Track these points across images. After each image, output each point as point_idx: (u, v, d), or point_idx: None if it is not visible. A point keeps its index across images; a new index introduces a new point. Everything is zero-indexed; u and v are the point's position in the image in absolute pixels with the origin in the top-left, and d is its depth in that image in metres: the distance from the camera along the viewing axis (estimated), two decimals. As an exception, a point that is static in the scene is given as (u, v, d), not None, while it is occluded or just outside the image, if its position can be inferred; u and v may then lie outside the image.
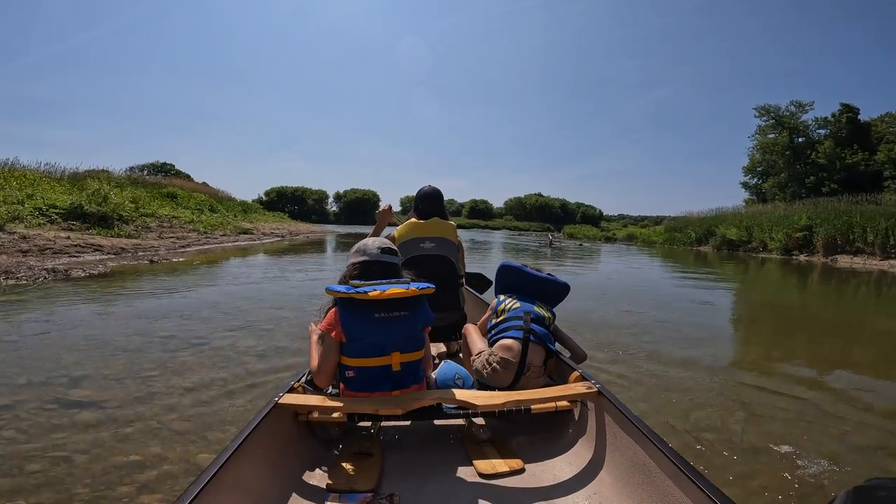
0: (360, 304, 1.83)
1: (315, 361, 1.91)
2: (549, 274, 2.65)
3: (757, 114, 45.72)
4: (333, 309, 1.88)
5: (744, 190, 49.46)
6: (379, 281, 1.87)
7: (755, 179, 48.66)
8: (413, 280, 1.95)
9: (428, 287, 1.93)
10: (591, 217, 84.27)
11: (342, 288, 1.83)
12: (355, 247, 2.07)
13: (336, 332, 1.83)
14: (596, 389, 1.95)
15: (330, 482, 1.66)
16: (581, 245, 28.48)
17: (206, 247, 14.12)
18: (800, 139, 43.45)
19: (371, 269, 1.97)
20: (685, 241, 30.03)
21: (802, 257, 22.11)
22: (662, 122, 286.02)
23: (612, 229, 48.13)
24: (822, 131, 42.85)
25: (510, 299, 2.48)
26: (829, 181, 38.20)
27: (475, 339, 2.52)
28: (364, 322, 1.83)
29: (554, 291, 2.64)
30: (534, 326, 2.31)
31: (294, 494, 1.61)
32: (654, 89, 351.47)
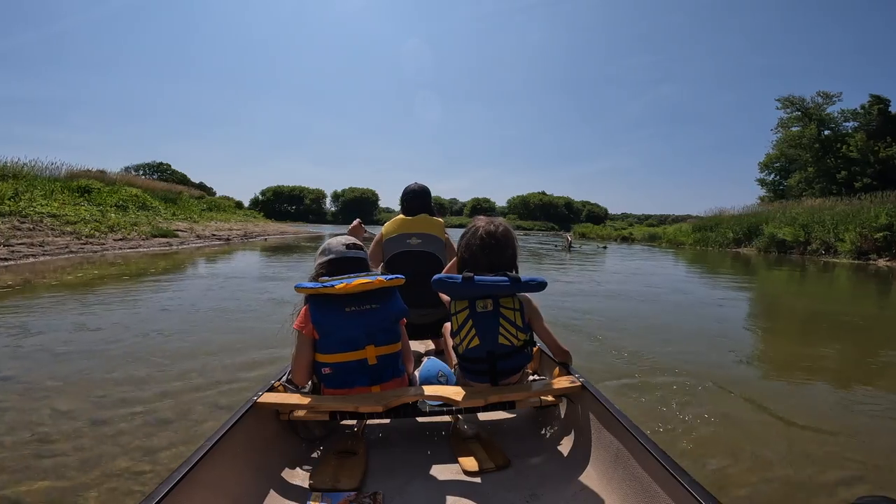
0: (329, 298, 1.75)
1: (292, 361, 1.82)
2: (505, 276, 1.83)
3: (780, 105, 41.73)
4: (305, 307, 1.78)
5: (760, 187, 45.55)
6: (346, 275, 1.79)
7: (772, 175, 44.89)
8: (382, 273, 1.88)
9: (396, 278, 1.84)
10: (596, 216, 79.14)
11: (310, 284, 1.76)
12: (320, 247, 1.96)
13: (307, 328, 1.74)
14: (579, 384, 1.84)
15: (312, 481, 1.56)
16: (605, 247, 22.94)
17: (71, 255, 9.12)
18: (826, 132, 38.76)
19: (337, 266, 1.86)
20: (720, 241, 24.84)
21: (882, 262, 16.98)
22: (666, 120, 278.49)
23: (620, 228, 43.00)
24: (849, 124, 38.66)
25: (466, 325, 1.86)
26: (862, 176, 34.05)
27: (450, 343, 2.09)
28: (335, 316, 1.74)
29: (521, 291, 1.90)
30: (501, 366, 1.87)
31: (275, 494, 1.50)
32: (657, 87, 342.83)
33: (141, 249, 10.94)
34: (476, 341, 1.84)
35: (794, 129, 40.95)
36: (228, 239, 16.75)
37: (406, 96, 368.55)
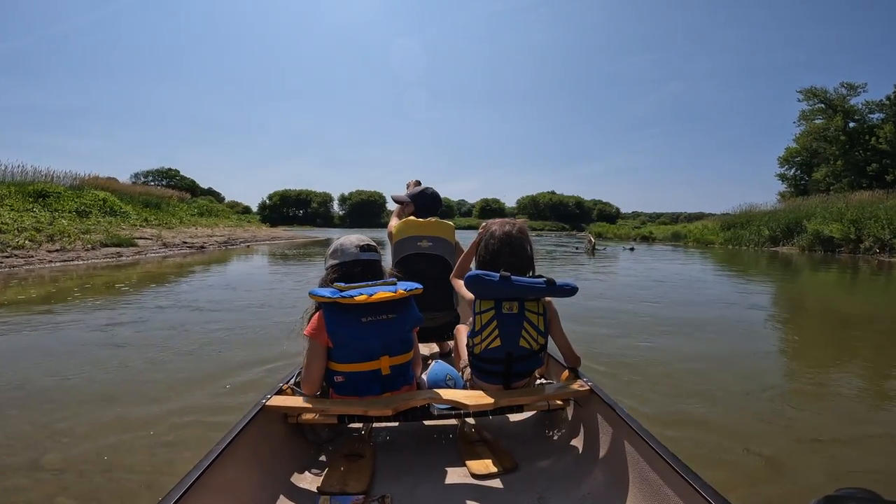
0: (345, 308, 1.62)
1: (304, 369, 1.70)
2: (544, 279, 1.78)
3: (802, 97, 39.69)
4: (318, 313, 1.65)
5: (780, 182, 42.91)
6: (365, 283, 1.66)
7: (793, 170, 42.68)
8: (399, 280, 1.76)
9: (416, 288, 1.74)
10: (607, 215, 76.42)
11: (326, 292, 1.61)
12: (332, 247, 1.81)
13: (321, 337, 1.62)
14: (588, 387, 1.79)
15: (320, 484, 1.53)
16: (632, 249, 20.04)
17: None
18: (850, 124, 36.42)
19: (351, 270, 1.73)
20: (754, 240, 22.43)
21: (950, 261, 14.66)
22: (675, 117, 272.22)
23: (637, 226, 40.56)
24: (874, 115, 36.20)
25: (490, 325, 1.78)
26: (893, 168, 31.86)
27: (462, 344, 2.05)
28: (351, 327, 1.63)
29: (553, 296, 1.83)
30: (517, 369, 1.82)
31: (283, 497, 1.48)
32: (665, 84, 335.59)
33: (78, 262, 8.82)
34: (497, 342, 1.78)
35: (817, 121, 38.96)
36: (203, 247, 14.47)
37: (412, 98, 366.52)
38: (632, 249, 19.15)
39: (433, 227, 2.71)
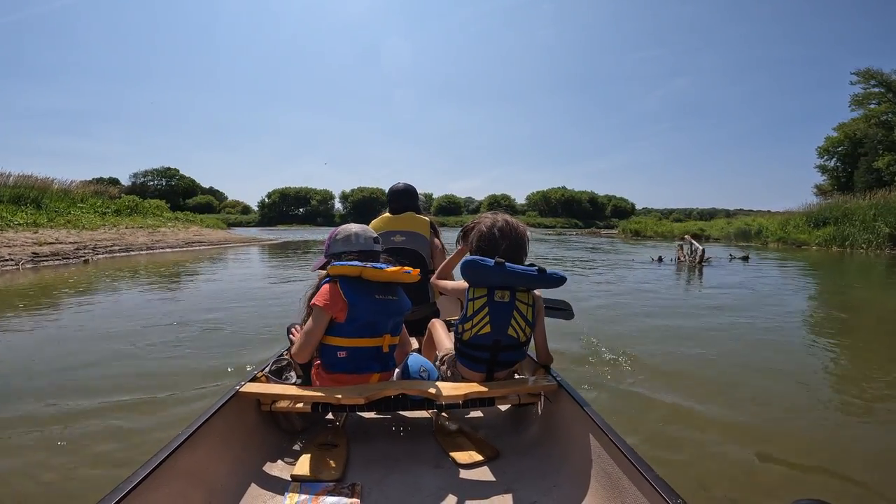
0: (362, 283, 1.68)
1: (300, 337, 1.68)
2: (536, 268, 1.75)
3: (858, 79, 35.02)
4: (330, 284, 1.65)
5: (820, 174, 38.38)
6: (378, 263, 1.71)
7: (833, 161, 37.53)
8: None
9: (415, 269, 1.77)
10: (623, 211, 71.02)
11: (354, 262, 1.65)
12: (341, 233, 1.83)
13: (336, 307, 1.62)
14: (555, 384, 1.80)
15: (293, 472, 1.52)
16: (746, 258, 13.42)
17: None
18: None
19: (365, 258, 1.76)
20: (868, 240, 17.01)
21: None
22: (682, 113, 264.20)
23: (670, 221, 35.10)
24: None
25: (481, 311, 1.78)
26: None
27: (441, 335, 2.12)
28: (367, 300, 1.66)
29: (544, 285, 1.82)
30: (502, 357, 1.83)
31: (254, 484, 1.46)
32: (672, 80, 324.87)
33: None
34: (487, 329, 1.78)
35: (871, 105, 33.92)
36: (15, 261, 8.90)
37: (415, 98, 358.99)
38: (745, 258, 13.19)
39: (406, 222, 2.75)
